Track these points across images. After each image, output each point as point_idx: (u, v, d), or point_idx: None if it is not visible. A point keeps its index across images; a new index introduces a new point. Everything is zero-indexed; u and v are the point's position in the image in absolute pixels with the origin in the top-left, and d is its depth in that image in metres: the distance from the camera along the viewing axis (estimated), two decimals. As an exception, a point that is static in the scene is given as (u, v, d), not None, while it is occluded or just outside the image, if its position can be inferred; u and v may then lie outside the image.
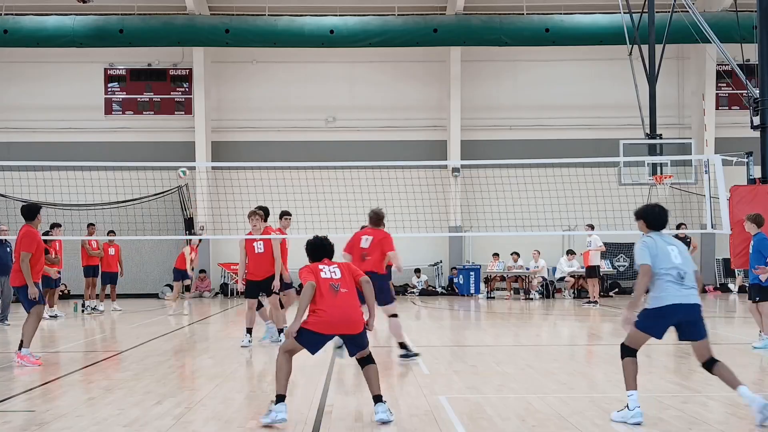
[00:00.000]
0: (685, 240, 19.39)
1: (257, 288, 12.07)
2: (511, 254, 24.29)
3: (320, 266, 6.91)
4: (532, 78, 27.12)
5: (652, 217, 7.09)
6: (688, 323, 6.84)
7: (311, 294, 6.65)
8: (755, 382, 8.76)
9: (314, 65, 26.87)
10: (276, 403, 6.59)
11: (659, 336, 6.82)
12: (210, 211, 24.12)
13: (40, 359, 10.12)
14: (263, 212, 12.16)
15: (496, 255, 24.48)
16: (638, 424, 6.51)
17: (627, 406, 6.63)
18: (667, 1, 21.28)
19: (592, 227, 20.29)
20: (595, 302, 20.24)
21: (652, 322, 6.77)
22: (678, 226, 19.73)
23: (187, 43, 25.02)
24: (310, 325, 6.68)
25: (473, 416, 6.82)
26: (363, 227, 11.26)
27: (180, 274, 20.45)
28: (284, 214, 13.19)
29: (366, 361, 6.83)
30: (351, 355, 6.88)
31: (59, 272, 18.04)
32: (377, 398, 6.72)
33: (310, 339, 6.71)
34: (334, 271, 6.87)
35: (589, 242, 20.74)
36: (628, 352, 6.80)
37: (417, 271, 25.88)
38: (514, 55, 26.62)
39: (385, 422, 6.59)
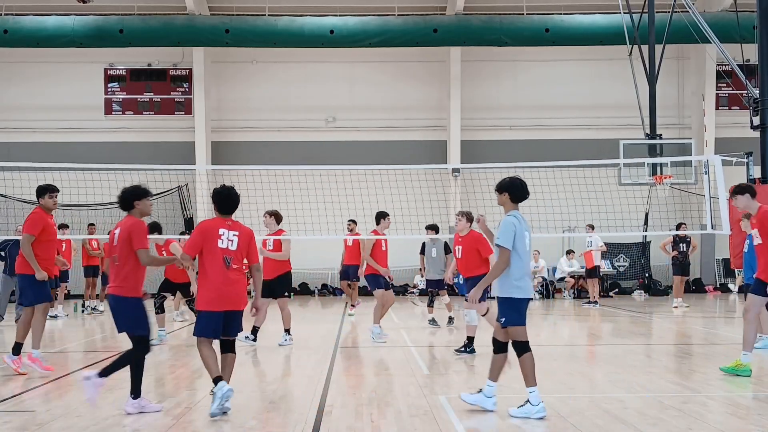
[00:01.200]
0: (685, 240, 19.40)
1: (266, 287, 11.99)
2: (512, 254, 24.26)
3: (221, 230, 6.91)
4: (532, 78, 27.13)
5: (515, 189, 7.05)
6: None
7: (190, 266, 7.14)
8: (755, 382, 8.76)
9: (314, 65, 26.87)
10: (215, 383, 6.78)
11: (525, 323, 6.96)
12: (210, 211, 24.11)
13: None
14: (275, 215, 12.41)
15: None
16: (542, 418, 6.64)
17: (529, 402, 6.72)
18: (667, 1, 21.29)
19: (592, 227, 20.30)
20: (595, 302, 20.24)
21: (519, 312, 6.88)
22: (678, 226, 19.74)
23: (187, 43, 25.02)
24: (203, 305, 6.88)
25: (473, 416, 6.82)
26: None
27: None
28: (381, 216, 13.28)
29: (229, 349, 7.06)
30: (226, 335, 6.99)
31: (65, 272, 18.10)
32: (218, 378, 6.80)
33: (207, 322, 6.89)
34: (232, 240, 6.91)
35: (589, 242, 20.74)
36: (524, 347, 6.84)
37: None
38: (514, 55, 26.62)
39: (223, 406, 6.68)
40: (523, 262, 6.85)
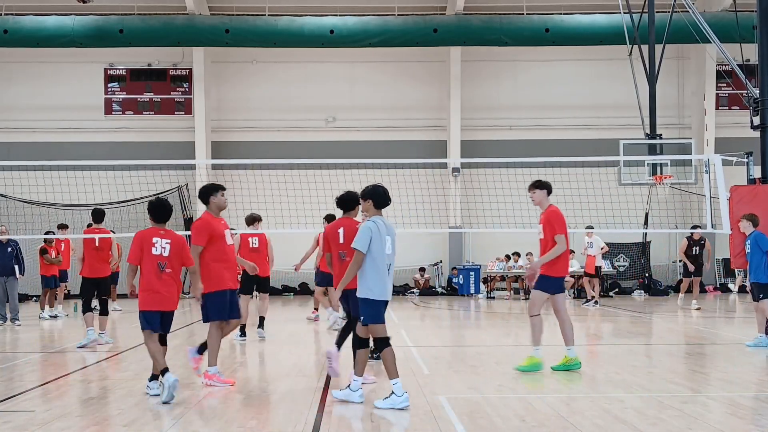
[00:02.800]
0: (700, 242, 19.27)
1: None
2: (512, 254, 24.28)
3: (154, 239, 7.72)
4: (532, 78, 27.12)
5: (379, 196, 7.38)
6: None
7: (134, 274, 7.85)
8: (756, 382, 8.76)
9: (314, 65, 26.87)
10: (163, 375, 7.52)
11: (383, 321, 7.33)
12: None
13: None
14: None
15: (516, 254, 24.27)
16: (405, 408, 7.02)
17: (394, 393, 7.09)
18: (667, 1, 21.28)
19: (591, 228, 20.27)
20: (596, 302, 20.21)
21: (377, 312, 7.22)
22: (693, 227, 19.70)
23: (187, 43, 25.02)
24: (143, 306, 7.73)
25: (473, 416, 6.82)
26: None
27: None
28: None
29: (162, 342, 7.86)
30: (157, 330, 7.79)
31: (65, 272, 18.07)
32: (164, 370, 7.54)
33: (148, 319, 7.71)
34: (165, 247, 7.73)
35: (590, 243, 20.67)
36: (384, 343, 7.23)
37: (422, 270, 25.99)
38: (514, 55, 26.62)
39: (172, 389, 7.37)
40: (378, 266, 7.21)
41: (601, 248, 20.63)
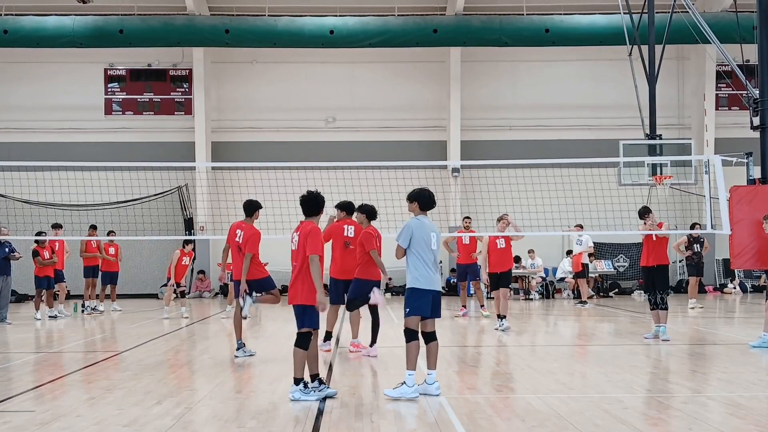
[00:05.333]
0: (699, 240, 19.32)
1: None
2: (511, 254, 24.27)
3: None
4: (532, 78, 27.13)
5: (423, 200, 7.98)
6: (433, 304, 7.82)
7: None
8: (756, 382, 8.76)
9: (314, 65, 26.88)
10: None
11: (428, 314, 7.75)
12: (210, 211, 24.13)
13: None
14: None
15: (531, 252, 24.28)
16: (414, 399, 7.41)
17: (405, 383, 7.53)
18: (667, 1, 21.28)
19: (581, 227, 20.29)
20: (585, 302, 20.16)
21: (420, 303, 7.65)
22: (692, 226, 19.75)
23: (187, 44, 25.03)
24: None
25: (473, 416, 6.82)
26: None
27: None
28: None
29: None
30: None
31: (60, 272, 18.05)
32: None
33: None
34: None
35: (579, 241, 20.70)
36: (413, 336, 7.66)
37: None
38: (514, 55, 26.63)
39: None
40: (431, 260, 7.95)
41: (589, 246, 20.71)
